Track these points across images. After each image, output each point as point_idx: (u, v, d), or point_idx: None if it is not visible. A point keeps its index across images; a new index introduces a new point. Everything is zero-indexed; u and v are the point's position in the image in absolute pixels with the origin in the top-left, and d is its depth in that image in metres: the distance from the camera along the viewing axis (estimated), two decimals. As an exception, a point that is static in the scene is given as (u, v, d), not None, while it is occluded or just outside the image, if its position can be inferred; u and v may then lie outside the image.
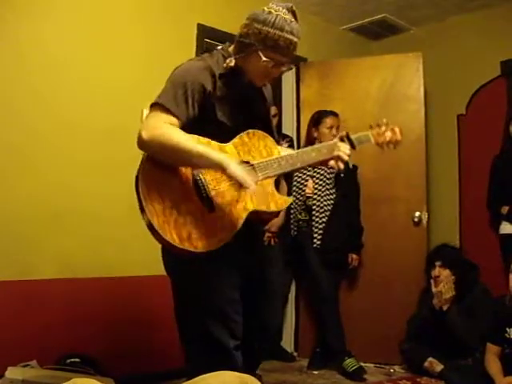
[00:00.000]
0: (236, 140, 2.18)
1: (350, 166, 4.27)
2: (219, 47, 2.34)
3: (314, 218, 4.19)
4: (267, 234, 4.03)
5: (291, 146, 4.55)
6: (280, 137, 4.51)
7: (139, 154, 2.26)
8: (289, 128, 4.89)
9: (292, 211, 4.32)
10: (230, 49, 2.26)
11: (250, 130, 2.22)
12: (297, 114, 4.87)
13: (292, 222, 4.31)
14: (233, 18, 4.26)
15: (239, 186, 2.03)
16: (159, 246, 2.13)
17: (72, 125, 3.52)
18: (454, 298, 3.80)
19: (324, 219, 4.16)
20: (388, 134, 2.49)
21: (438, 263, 3.90)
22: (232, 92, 2.19)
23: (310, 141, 4.41)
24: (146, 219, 1.99)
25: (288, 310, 4.76)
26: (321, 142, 4.32)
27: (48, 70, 3.46)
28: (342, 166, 2.33)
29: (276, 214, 2.26)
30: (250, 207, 2.13)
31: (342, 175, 4.20)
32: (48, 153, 3.43)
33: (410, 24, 5.23)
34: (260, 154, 2.21)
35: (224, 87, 2.17)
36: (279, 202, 2.22)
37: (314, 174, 4.23)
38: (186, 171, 2.07)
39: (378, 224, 4.42)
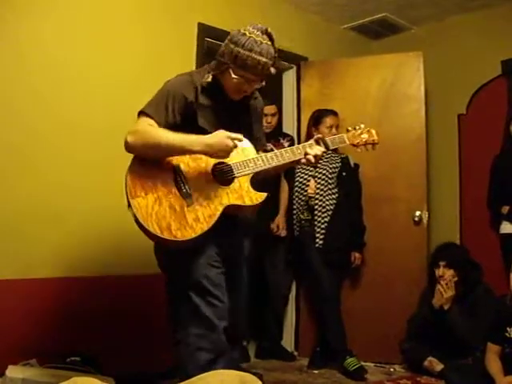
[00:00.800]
0: None
1: (352, 164, 4.27)
2: (207, 65, 2.57)
3: (316, 217, 4.19)
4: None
5: (292, 144, 4.54)
6: (280, 136, 4.54)
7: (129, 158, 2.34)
8: (289, 127, 4.89)
9: (294, 211, 4.32)
10: (210, 66, 2.51)
11: None
12: (297, 113, 4.87)
13: (294, 222, 4.31)
14: (233, 17, 4.31)
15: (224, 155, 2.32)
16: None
17: (72, 124, 3.52)
18: (455, 298, 3.80)
19: (326, 219, 4.16)
20: (364, 136, 2.65)
21: (442, 263, 3.89)
22: (213, 102, 2.45)
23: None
24: (131, 213, 2.29)
25: (288, 309, 4.76)
26: (320, 141, 4.34)
27: (48, 70, 3.46)
28: (311, 160, 2.49)
29: (252, 207, 2.44)
30: (226, 202, 2.38)
31: (344, 174, 4.21)
32: (47, 152, 3.42)
33: (411, 23, 5.22)
34: (238, 156, 2.42)
35: (206, 98, 2.44)
36: (254, 197, 2.43)
37: (316, 174, 4.23)
38: (168, 169, 2.36)
39: (378, 223, 4.41)
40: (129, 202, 2.28)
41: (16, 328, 3.16)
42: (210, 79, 2.43)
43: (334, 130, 4.31)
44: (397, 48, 5.03)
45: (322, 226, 4.16)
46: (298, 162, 2.55)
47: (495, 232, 4.32)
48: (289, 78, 4.99)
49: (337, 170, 4.24)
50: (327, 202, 4.18)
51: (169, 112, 2.36)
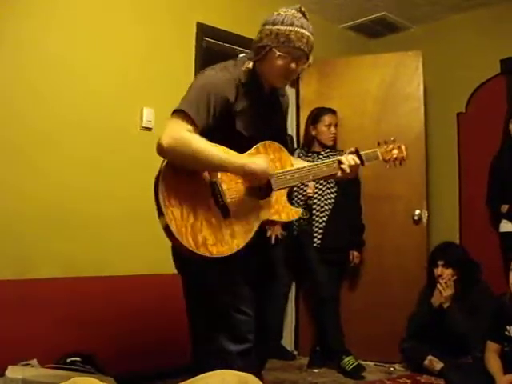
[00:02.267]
0: (252, 151, 2.25)
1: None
2: (241, 55, 2.42)
3: (314, 217, 4.19)
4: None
5: (291, 143, 4.55)
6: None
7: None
8: (288, 126, 4.88)
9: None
10: (247, 57, 2.34)
11: (267, 142, 2.29)
12: (296, 113, 4.87)
13: (293, 221, 4.31)
14: (232, 16, 4.31)
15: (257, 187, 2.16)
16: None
17: (72, 125, 3.51)
18: (454, 296, 3.80)
19: (324, 218, 4.17)
20: (395, 152, 2.61)
21: (440, 262, 3.89)
22: (252, 102, 2.27)
23: (309, 138, 4.42)
24: (163, 223, 2.05)
25: (288, 309, 4.76)
26: (319, 139, 4.34)
27: (48, 70, 3.45)
28: (347, 170, 2.39)
29: (289, 223, 2.30)
30: (264, 216, 2.23)
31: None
32: (48, 153, 3.42)
33: (410, 22, 5.22)
34: (274, 165, 2.28)
35: (245, 97, 2.25)
36: (290, 213, 2.32)
37: (315, 173, 4.23)
38: (204, 179, 2.15)
39: (377, 222, 4.42)
40: (161, 210, 2.04)
41: (17, 328, 3.15)
42: (250, 66, 2.26)
43: (332, 129, 4.33)
44: (396, 47, 5.03)
45: (321, 226, 4.17)
46: (332, 177, 2.45)
47: (495, 230, 4.32)
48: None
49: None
50: (326, 202, 4.19)
51: (210, 115, 2.14)
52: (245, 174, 2.14)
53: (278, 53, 2.20)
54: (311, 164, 2.41)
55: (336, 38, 5.30)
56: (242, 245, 2.15)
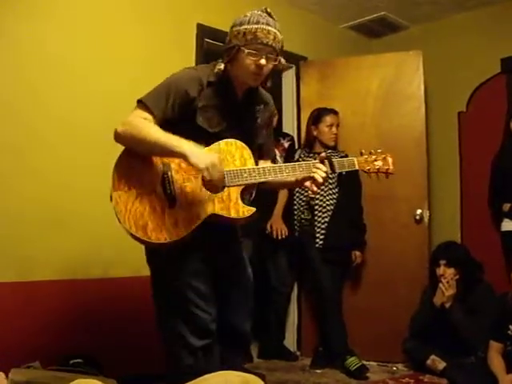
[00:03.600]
0: (213, 146, 2.30)
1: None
2: (216, 61, 2.45)
3: (316, 217, 4.19)
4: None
5: (292, 144, 4.55)
6: (281, 136, 4.53)
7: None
8: (289, 127, 4.88)
9: (296, 212, 4.32)
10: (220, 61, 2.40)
11: (230, 140, 2.34)
12: (297, 113, 4.87)
13: (295, 222, 4.31)
14: (232, 17, 4.29)
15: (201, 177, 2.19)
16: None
17: (72, 126, 3.52)
18: (456, 296, 3.80)
19: (326, 218, 4.17)
20: (378, 163, 2.50)
21: (442, 262, 3.89)
22: (217, 101, 2.35)
23: (310, 139, 4.42)
24: (113, 206, 2.21)
25: (291, 309, 4.76)
26: (320, 140, 4.34)
27: (48, 71, 3.45)
28: (315, 189, 2.37)
29: (239, 220, 2.33)
30: (210, 210, 2.26)
31: (343, 173, 4.20)
32: (47, 154, 3.42)
33: (410, 22, 5.22)
34: (233, 163, 2.31)
35: (210, 96, 2.33)
36: (241, 210, 2.30)
37: (317, 174, 4.23)
38: (157, 166, 2.26)
39: (379, 222, 4.41)
40: (110, 194, 2.23)
41: (19, 330, 3.16)
42: (222, 67, 2.33)
43: (334, 129, 4.33)
44: (396, 47, 5.03)
45: (323, 226, 4.16)
46: (300, 183, 2.43)
47: (496, 230, 4.31)
48: (288, 77, 4.98)
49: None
50: (327, 202, 4.19)
51: (168, 106, 2.25)
52: (191, 157, 2.13)
53: (246, 51, 2.25)
54: (274, 165, 2.41)
55: (336, 38, 5.31)
56: (182, 235, 2.20)
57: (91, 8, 3.66)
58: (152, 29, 3.93)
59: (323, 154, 2.42)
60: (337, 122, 4.37)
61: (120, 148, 3.60)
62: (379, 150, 2.51)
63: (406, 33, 5.38)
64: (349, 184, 4.19)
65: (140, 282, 3.61)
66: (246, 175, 2.28)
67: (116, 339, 3.50)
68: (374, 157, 2.49)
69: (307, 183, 2.38)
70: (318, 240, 4.15)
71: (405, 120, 4.57)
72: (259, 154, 2.50)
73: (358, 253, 4.31)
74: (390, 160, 2.52)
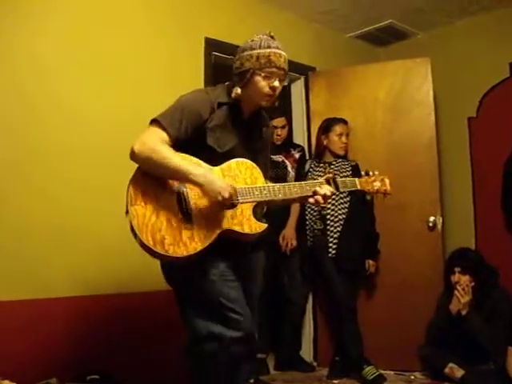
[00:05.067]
0: (224, 166, 2.41)
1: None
2: (225, 84, 2.57)
3: (328, 227, 4.19)
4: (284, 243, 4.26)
5: (303, 155, 4.56)
6: (291, 147, 4.54)
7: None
8: (299, 138, 4.90)
9: (308, 222, 4.32)
10: (231, 84, 2.51)
11: (240, 159, 2.45)
12: (307, 124, 4.88)
13: (308, 232, 4.30)
14: (241, 30, 4.33)
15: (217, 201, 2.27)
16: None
17: (79, 145, 3.51)
18: (472, 303, 3.77)
19: (339, 228, 4.16)
20: (376, 184, 2.67)
21: (457, 269, 3.87)
22: (226, 121, 2.45)
23: (320, 149, 4.42)
24: (128, 221, 2.26)
25: (306, 319, 4.75)
26: (330, 149, 4.34)
27: (45, 88, 3.42)
28: (320, 200, 2.46)
29: (251, 235, 2.42)
30: (225, 226, 2.34)
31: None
32: (57, 174, 3.42)
33: (417, 29, 5.23)
34: (244, 181, 2.42)
35: (220, 117, 2.43)
36: (254, 226, 2.41)
37: (329, 183, 4.24)
38: (173, 183, 2.33)
39: (392, 230, 4.40)
40: (127, 208, 2.26)
41: (35, 347, 3.17)
42: (239, 91, 2.42)
43: (343, 138, 4.34)
44: (404, 54, 5.03)
45: (335, 236, 4.16)
46: (305, 199, 2.52)
47: (510, 234, 4.29)
48: (297, 88, 5.00)
49: (348, 177, 4.24)
50: (339, 212, 4.18)
51: (182, 127, 2.33)
52: (206, 184, 2.26)
53: (262, 74, 2.38)
54: (283, 184, 2.49)
55: (344, 48, 5.32)
56: (199, 248, 2.27)
57: (97, 25, 3.67)
58: (160, 44, 3.95)
59: (329, 175, 2.56)
60: (346, 132, 4.38)
61: (120, 166, 3.64)
62: (376, 172, 2.68)
63: (413, 40, 5.38)
64: (360, 193, 4.18)
65: (154, 297, 3.64)
66: (257, 193, 2.38)
67: (131, 355, 3.50)
68: (372, 178, 2.67)
69: (311, 200, 2.48)
70: (330, 250, 4.14)
71: (415, 127, 4.57)
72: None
73: (371, 261, 4.30)
74: (387, 181, 2.70)
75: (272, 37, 2.44)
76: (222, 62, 4.30)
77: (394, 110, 4.63)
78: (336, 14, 4.91)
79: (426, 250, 4.40)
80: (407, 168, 4.43)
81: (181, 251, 2.25)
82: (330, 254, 4.14)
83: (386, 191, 2.69)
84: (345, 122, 4.41)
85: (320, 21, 5.01)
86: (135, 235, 2.25)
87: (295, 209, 4.35)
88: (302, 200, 2.57)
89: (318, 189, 2.46)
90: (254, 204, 2.41)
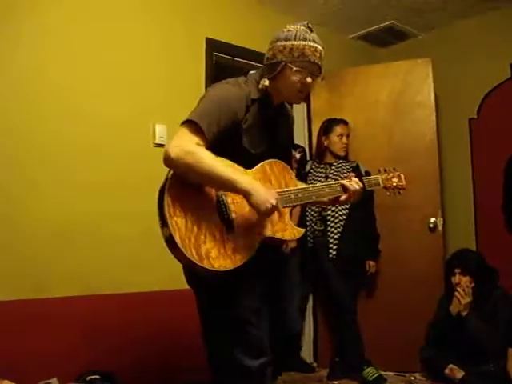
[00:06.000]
0: (258, 168, 2.28)
1: (363, 172, 4.25)
2: (252, 72, 2.40)
3: (329, 228, 4.18)
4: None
5: (304, 156, 4.57)
6: (292, 147, 4.53)
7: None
8: (300, 138, 4.90)
9: (308, 223, 4.31)
10: (259, 74, 2.34)
11: (272, 160, 2.33)
12: (308, 125, 4.89)
13: (308, 233, 4.30)
14: (242, 31, 4.34)
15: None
16: (175, 260, 2.14)
17: (85, 145, 3.53)
18: (472, 304, 3.77)
19: (339, 229, 4.16)
20: (395, 180, 2.67)
21: (457, 270, 3.86)
22: (260, 119, 2.28)
23: (321, 150, 4.42)
24: (166, 233, 2.03)
25: (306, 320, 4.74)
26: (331, 150, 4.34)
27: (47, 88, 3.43)
28: (352, 188, 2.43)
29: (292, 241, 2.36)
30: (267, 233, 2.23)
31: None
32: (60, 174, 3.43)
33: (418, 30, 5.23)
34: (278, 183, 2.32)
35: (254, 114, 2.26)
36: (293, 231, 2.34)
37: (329, 184, 4.23)
38: (210, 190, 2.15)
39: (393, 231, 4.40)
40: (165, 221, 2.01)
41: (35, 347, 3.17)
42: (267, 83, 2.25)
43: (344, 139, 4.34)
44: (405, 55, 5.03)
45: (336, 237, 4.16)
46: (336, 201, 2.47)
47: (510, 235, 4.28)
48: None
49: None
50: (340, 213, 4.18)
51: (219, 129, 2.12)
52: (251, 194, 2.08)
53: (294, 68, 2.21)
54: (314, 185, 2.45)
55: (345, 49, 5.32)
56: (244, 260, 2.14)
57: (101, 23, 3.68)
58: (162, 44, 3.96)
59: (353, 174, 2.52)
60: (347, 132, 4.38)
61: (133, 165, 3.64)
62: (393, 168, 2.70)
63: (415, 41, 5.38)
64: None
65: (155, 297, 3.65)
66: (293, 196, 2.29)
67: (132, 355, 3.50)
68: (391, 174, 2.67)
69: (342, 197, 2.45)
70: (331, 250, 4.14)
71: (416, 128, 4.57)
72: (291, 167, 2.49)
73: (371, 262, 4.30)
74: (403, 177, 2.70)
75: (310, 28, 2.27)
76: (224, 62, 4.31)
77: (395, 111, 4.63)
78: (337, 16, 4.91)
79: (427, 251, 4.40)
80: (408, 169, 4.32)
81: (227, 264, 2.09)
82: (330, 255, 4.14)
83: (403, 187, 2.69)
84: (345, 122, 4.41)
85: (321, 22, 5.00)
86: (175, 249, 2.03)
87: (296, 209, 4.34)
88: (332, 202, 2.49)
89: (348, 184, 2.42)
90: (290, 208, 2.35)
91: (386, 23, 5.06)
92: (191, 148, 2.05)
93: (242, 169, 2.21)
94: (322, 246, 4.20)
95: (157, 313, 3.64)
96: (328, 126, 4.41)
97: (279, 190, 2.25)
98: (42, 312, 3.25)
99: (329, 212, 4.20)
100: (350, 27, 5.18)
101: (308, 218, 4.32)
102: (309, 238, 4.29)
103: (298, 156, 4.49)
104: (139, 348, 3.55)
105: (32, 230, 3.30)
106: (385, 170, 2.66)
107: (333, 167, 4.26)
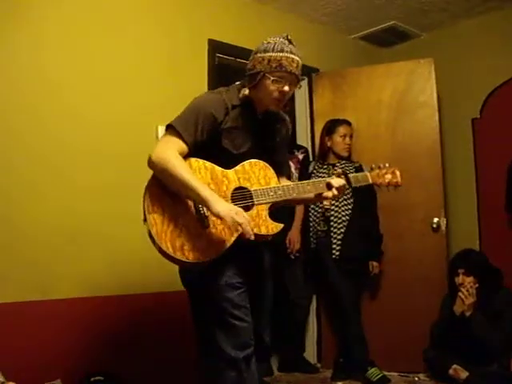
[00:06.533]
0: (238, 167, 2.42)
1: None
2: (236, 83, 2.55)
3: (332, 228, 4.18)
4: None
5: (306, 156, 4.56)
6: (295, 148, 4.54)
7: (151, 176, 2.34)
8: (303, 139, 4.89)
9: (311, 223, 4.31)
10: (241, 84, 2.51)
11: (253, 160, 2.46)
12: (311, 125, 4.88)
13: (311, 234, 4.30)
14: (244, 31, 4.33)
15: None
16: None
17: (87, 146, 3.53)
18: (476, 304, 3.76)
19: (342, 230, 4.15)
20: (388, 177, 2.66)
21: (461, 270, 3.85)
22: (242, 123, 2.44)
23: (324, 150, 4.42)
24: (147, 228, 2.27)
25: (310, 321, 4.74)
26: (334, 150, 4.34)
27: (49, 93, 3.43)
28: (334, 191, 2.50)
29: (268, 236, 2.44)
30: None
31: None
32: (63, 177, 3.43)
33: (420, 30, 5.22)
34: (258, 182, 2.45)
35: (235, 118, 2.42)
36: (270, 226, 2.43)
37: (331, 185, 4.23)
38: None
39: (396, 232, 4.40)
40: (145, 216, 2.27)
41: (40, 348, 3.18)
42: (247, 92, 2.43)
43: (347, 140, 4.33)
44: (407, 55, 5.03)
45: (339, 237, 4.15)
46: (319, 198, 2.56)
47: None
48: (301, 90, 4.96)
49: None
50: (343, 213, 4.18)
51: (198, 131, 2.33)
52: (214, 209, 2.21)
53: (271, 78, 2.36)
54: (296, 182, 2.54)
55: (347, 49, 5.32)
56: (217, 254, 2.29)
57: (103, 26, 3.68)
58: (164, 46, 3.96)
59: (339, 170, 2.59)
60: (350, 133, 4.38)
61: (136, 167, 3.62)
62: (387, 164, 2.67)
63: (417, 41, 5.38)
64: (363, 194, 4.16)
65: (160, 298, 3.65)
66: (271, 193, 2.42)
67: (137, 356, 3.51)
68: (384, 171, 2.66)
69: (327, 193, 2.52)
70: (334, 251, 4.14)
71: (418, 128, 4.57)
72: (277, 171, 2.55)
73: (375, 263, 4.30)
74: (397, 173, 2.68)
75: (290, 40, 2.42)
76: (226, 64, 4.31)
77: (397, 111, 4.63)
78: (339, 16, 4.91)
79: (430, 252, 4.40)
80: (411, 169, 4.39)
81: (201, 257, 2.27)
82: (333, 256, 4.14)
83: (398, 183, 2.67)
84: (348, 123, 4.41)
85: (323, 22, 5.01)
86: (154, 242, 2.27)
87: (300, 211, 4.35)
88: (318, 198, 2.59)
89: (332, 181, 2.50)
90: (269, 205, 2.43)
91: (388, 23, 5.05)
92: (168, 155, 2.25)
93: (222, 170, 2.38)
94: (325, 246, 4.19)
95: (161, 314, 3.64)
96: (331, 127, 4.41)
97: (258, 188, 2.41)
98: (45, 313, 3.26)
99: (332, 213, 4.19)
100: (353, 27, 5.17)
101: (311, 219, 4.32)
102: (312, 239, 4.29)
103: (300, 157, 4.49)
104: (143, 349, 3.55)
105: (33, 231, 3.30)
106: (379, 167, 2.66)
107: (336, 168, 4.26)
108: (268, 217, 2.42)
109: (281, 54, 2.35)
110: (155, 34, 3.93)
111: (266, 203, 2.41)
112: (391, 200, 4.34)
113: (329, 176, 4.15)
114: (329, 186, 2.51)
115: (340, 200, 4.17)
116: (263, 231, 2.40)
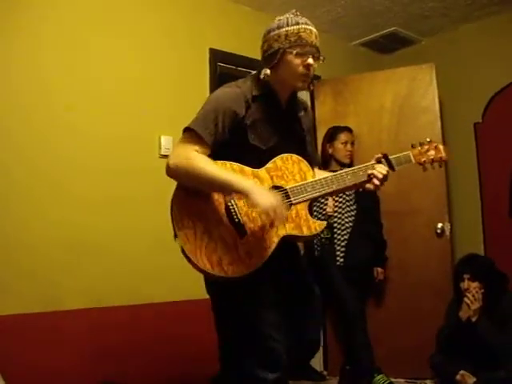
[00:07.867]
0: (269, 165, 2.22)
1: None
2: (252, 72, 2.38)
3: (335, 235, 4.17)
4: None
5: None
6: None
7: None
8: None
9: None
10: (257, 73, 2.30)
11: (285, 155, 2.25)
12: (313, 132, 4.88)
13: (315, 241, 4.29)
14: (244, 41, 4.34)
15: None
16: (186, 270, 2.15)
17: (91, 158, 3.54)
18: (482, 309, 3.74)
19: (346, 236, 4.15)
20: (431, 153, 2.43)
21: (466, 276, 3.83)
22: (265, 115, 2.24)
23: (325, 157, 4.42)
24: (179, 245, 2.07)
25: (315, 328, 4.72)
26: (336, 157, 4.34)
27: (50, 103, 3.44)
28: (377, 182, 2.30)
29: (312, 236, 2.27)
30: (283, 232, 2.16)
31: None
32: (66, 189, 3.44)
33: (421, 35, 5.24)
34: (294, 178, 2.24)
35: (257, 110, 2.22)
36: (312, 226, 2.23)
37: (334, 192, 4.23)
38: (219, 197, 2.12)
39: (400, 238, 4.40)
40: (175, 233, 2.08)
41: (48, 360, 3.17)
42: (268, 72, 2.20)
43: (348, 146, 4.34)
44: (408, 61, 5.03)
45: (343, 244, 4.15)
46: (361, 186, 2.35)
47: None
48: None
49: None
50: (346, 220, 4.17)
51: (218, 129, 2.12)
52: (248, 199, 2.05)
53: (294, 51, 2.17)
54: (335, 173, 2.31)
55: (348, 56, 5.33)
56: (259, 264, 2.09)
57: (103, 35, 3.71)
58: (165, 54, 3.98)
59: (380, 154, 2.36)
60: (351, 140, 4.38)
61: (139, 177, 3.64)
62: (428, 140, 2.46)
63: (418, 46, 5.39)
64: (366, 200, 4.17)
65: (166, 308, 3.64)
66: (309, 189, 2.21)
67: (145, 366, 3.51)
68: (426, 147, 2.44)
69: (368, 185, 2.33)
70: (338, 258, 4.13)
71: (421, 134, 4.50)
72: (308, 162, 2.35)
73: (379, 269, 4.29)
74: (441, 147, 2.46)
75: (298, 15, 2.24)
76: (227, 73, 4.32)
77: (399, 117, 4.63)
78: (340, 23, 4.92)
79: (435, 257, 4.39)
80: (414, 175, 4.40)
81: (240, 270, 2.07)
82: (338, 263, 4.13)
83: (442, 158, 2.44)
84: (349, 130, 4.41)
85: (324, 30, 5.00)
86: (189, 260, 2.07)
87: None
88: (358, 187, 2.39)
89: (374, 172, 2.28)
90: (308, 202, 2.24)
91: (389, 30, 5.07)
92: (187, 154, 2.07)
93: (252, 170, 2.18)
94: (329, 253, 4.19)
95: (168, 324, 3.64)
96: (332, 134, 4.42)
97: (294, 185, 2.20)
98: (53, 325, 3.26)
99: (335, 219, 4.19)
100: (354, 34, 5.19)
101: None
102: (316, 246, 4.28)
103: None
104: (151, 359, 3.55)
105: (33, 243, 3.29)
106: (420, 144, 2.44)
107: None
108: (309, 215, 2.23)
109: (298, 27, 2.18)
110: (156, 44, 3.95)
111: (305, 201, 2.21)
112: (394, 205, 4.35)
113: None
114: (369, 176, 2.30)
115: (343, 207, 4.17)
116: (306, 232, 2.20)
